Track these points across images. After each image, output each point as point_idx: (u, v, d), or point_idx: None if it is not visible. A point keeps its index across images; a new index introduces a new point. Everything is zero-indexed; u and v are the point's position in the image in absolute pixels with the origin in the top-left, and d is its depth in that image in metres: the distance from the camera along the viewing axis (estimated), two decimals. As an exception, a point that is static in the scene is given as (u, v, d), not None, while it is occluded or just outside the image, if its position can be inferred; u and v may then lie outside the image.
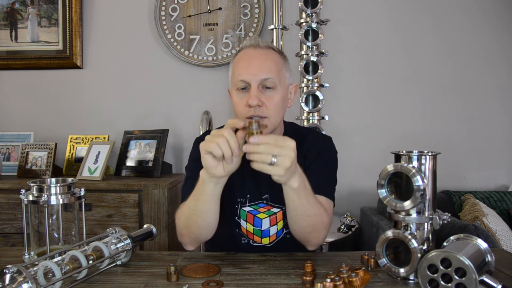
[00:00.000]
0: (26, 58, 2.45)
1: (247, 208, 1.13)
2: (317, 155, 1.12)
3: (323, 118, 2.08)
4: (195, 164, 1.12)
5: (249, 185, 1.13)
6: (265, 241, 1.14)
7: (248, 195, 1.13)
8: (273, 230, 1.13)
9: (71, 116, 2.47)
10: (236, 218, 1.14)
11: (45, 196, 0.97)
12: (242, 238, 1.14)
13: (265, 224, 1.13)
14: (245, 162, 1.09)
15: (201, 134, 2.06)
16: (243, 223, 1.14)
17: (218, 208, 1.00)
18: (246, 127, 0.87)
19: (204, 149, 0.88)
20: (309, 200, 0.95)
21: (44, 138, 2.41)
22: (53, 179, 1.04)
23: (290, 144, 0.84)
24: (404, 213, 0.90)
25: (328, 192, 1.09)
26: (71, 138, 2.36)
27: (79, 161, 2.26)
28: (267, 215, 1.12)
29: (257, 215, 1.12)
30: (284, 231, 1.14)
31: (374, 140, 2.40)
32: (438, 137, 2.38)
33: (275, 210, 1.13)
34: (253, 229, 1.13)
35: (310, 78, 2.05)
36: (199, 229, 1.03)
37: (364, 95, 2.41)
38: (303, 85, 2.08)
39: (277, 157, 0.82)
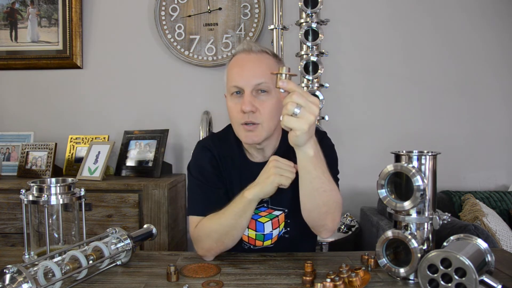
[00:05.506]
0: (26, 58, 2.45)
1: None
2: None
3: (323, 118, 2.08)
4: (203, 172, 1.12)
5: None
6: (267, 243, 1.14)
7: None
8: (275, 232, 1.13)
9: (71, 116, 2.47)
10: None
11: (45, 196, 0.97)
12: (243, 244, 1.14)
13: (267, 228, 1.12)
14: (244, 167, 1.08)
15: (201, 134, 2.06)
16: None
17: None
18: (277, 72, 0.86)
19: (277, 182, 0.95)
20: (325, 172, 0.94)
21: (44, 138, 2.41)
22: (53, 179, 1.04)
23: (315, 100, 0.83)
24: (404, 213, 0.90)
25: (334, 179, 1.07)
26: (71, 138, 2.36)
27: (79, 161, 2.26)
28: (268, 219, 1.12)
29: (259, 219, 1.11)
30: (283, 231, 1.14)
31: (374, 140, 2.40)
32: (438, 137, 2.38)
33: (276, 213, 1.12)
34: (255, 234, 1.12)
35: (310, 78, 2.05)
36: (235, 241, 1.04)
37: (364, 95, 2.41)
38: (303, 85, 2.08)
39: (301, 109, 0.82)
